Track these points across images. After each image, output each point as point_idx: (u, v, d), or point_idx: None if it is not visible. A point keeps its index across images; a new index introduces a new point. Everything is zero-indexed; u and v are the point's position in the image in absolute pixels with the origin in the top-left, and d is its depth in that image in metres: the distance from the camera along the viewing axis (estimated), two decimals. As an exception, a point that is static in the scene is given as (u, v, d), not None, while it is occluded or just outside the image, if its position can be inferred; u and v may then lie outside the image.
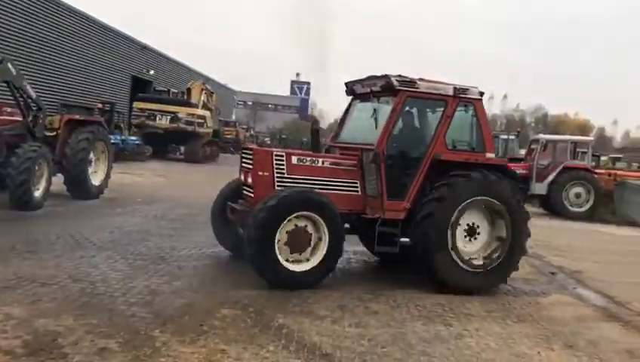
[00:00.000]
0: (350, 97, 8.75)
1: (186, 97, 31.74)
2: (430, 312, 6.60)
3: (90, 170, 13.25)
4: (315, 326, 5.73)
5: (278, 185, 7.25)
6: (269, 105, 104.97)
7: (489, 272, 7.56)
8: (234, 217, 7.85)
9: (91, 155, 13.25)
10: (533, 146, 20.78)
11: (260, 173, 7.30)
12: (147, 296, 6.21)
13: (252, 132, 60.49)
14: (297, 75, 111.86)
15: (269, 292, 6.77)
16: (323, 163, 7.62)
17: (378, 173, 7.35)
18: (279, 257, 6.82)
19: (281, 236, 6.84)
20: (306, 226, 6.96)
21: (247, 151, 7.89)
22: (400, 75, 7.61)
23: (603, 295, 8.27)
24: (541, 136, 21.39)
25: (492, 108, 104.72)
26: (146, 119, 29.10)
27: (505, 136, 24.77)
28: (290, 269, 6.88)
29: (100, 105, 23.74)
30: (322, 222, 6.95)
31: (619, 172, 24.27)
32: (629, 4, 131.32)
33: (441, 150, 7.53)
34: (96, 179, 13.45)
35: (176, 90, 35.00)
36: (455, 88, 7.65)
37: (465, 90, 7.72)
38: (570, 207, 18.92)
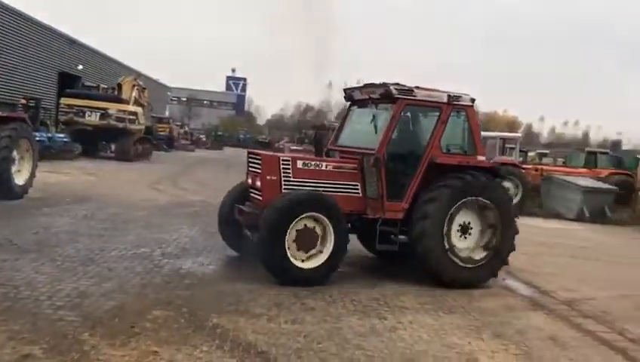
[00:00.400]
0: (348, 103, 9.21)
1: (116, 93, 30.71)
2: (366, 306, 6.67)
3: (14, 168, 12.59)
4: (251, 325, 5.68)
5: (284, 188, 7.62)
6: (204, 102, 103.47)
7: (481, 267, 8.03)
8: (242, 218, 8.13)
9: (14, 153, 12.62)
10: (464, 143, 21.39)
11: (268, 177, 7.67)
12: (75, 298, 5.97)
13: (187, 128, 59.28)
14: (233, 70, 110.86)
15: (202, 291, 6.67)
16: (326, 166, 8.02)
17: (378, 175, 7.77)
18: (289, 255, 7.18)
19: (290, 235, 7.20)
20: (313, 226, 7.35)
21: (255, 156, 8.16)
22: (398, 84, 8.02)
23: (530, 285, 8.63)
24: (472, 132, 22.00)
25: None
26: (75, 116, 27.93)
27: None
28: (299, 267, 7.25)
29: (23, 101, 22.65)
30: (328, 222, 7.34)
31: (545, 167, 25.35)
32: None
33: (436, 154, 7.99)
34: (20, 179, 12.79)
35: (106, 86, 33.76)
36: (449, 96, 8.11)
37: (458, 98, 8.18)
38: (499, 201, 19.54)
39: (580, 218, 18.21)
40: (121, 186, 16.97)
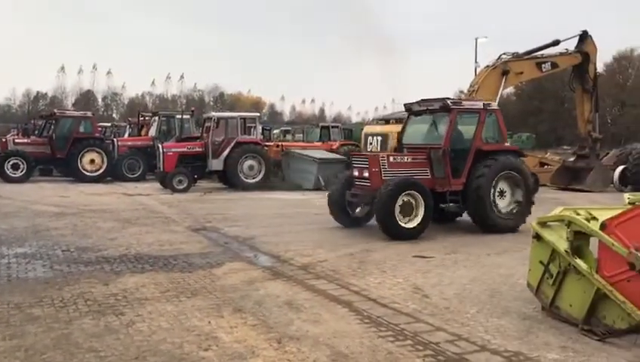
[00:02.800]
0: (407, 113, 12.77)
1: None
2: (101, 305, 6.25)
3: None
4: (-45, 351, 4.90)
5: (384, 176, 10.89)
6: None
7: (514, 218, 11.57)
8: (355, 200, 11.45)
9: None
10: (207, 124, 21.46)
11: (374, 170, 10.96)
12: None
13: None
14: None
15: None
16: (407, 159, 11.45)
17: (444, 162, 11.19)
18: (397, 220, 10.38)
19: (397, 207, 10.37)
20: (409, 200, 10.56)
21: (360, 157, 11.76)
22: (449, 98, 11.78)
23: (271, 256, 9.00)
24: (213, 113, 22.18)
25: (171, 89, 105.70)
26: None
27: (179, 116, 25.08)
28: (404, 227, 10.49)
29: None
30: (420, 197, 10.60)
31: (285, 143, 26.92)
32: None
33: (479, 144, 11.58)
34: None
35: None
36: (484, 103, 11.95)
37: (489, 104, 12.07)
38: (245, 179, 20.28)
39: (317, 187, 19.70)
40: None
